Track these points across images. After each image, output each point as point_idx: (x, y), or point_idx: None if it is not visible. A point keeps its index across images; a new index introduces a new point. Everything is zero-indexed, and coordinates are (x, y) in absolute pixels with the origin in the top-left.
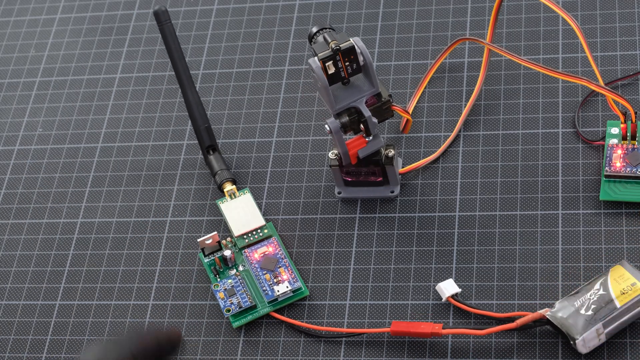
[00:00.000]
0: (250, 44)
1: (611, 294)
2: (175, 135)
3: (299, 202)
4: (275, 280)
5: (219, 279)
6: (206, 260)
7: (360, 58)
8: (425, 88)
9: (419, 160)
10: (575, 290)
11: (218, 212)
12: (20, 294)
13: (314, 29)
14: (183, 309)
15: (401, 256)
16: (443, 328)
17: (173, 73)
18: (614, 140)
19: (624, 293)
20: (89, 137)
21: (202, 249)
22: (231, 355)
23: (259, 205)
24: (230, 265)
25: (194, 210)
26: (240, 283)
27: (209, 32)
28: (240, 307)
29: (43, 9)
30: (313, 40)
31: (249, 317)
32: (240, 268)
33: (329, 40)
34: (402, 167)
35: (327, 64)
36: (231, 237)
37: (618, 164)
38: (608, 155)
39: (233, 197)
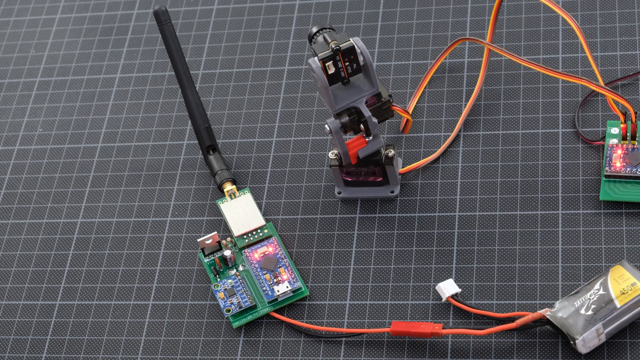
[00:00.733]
0: (250, 44)
1: (611, 294)
2: (175, 135)
3: (299, 202)
4: (275, 280)
5: (219, 279)
6: (206, 260)
7: (360, 58)
8: (425, 88)
9: (419, 160)
10: (575, 290)
11: (218, 212)
12: (20, 294)
13: (314, 29)
14: (183, 309)
15: (401, 256)
16: (443, 328)
17: (173, 73)
18: (614, 140)
19: (623, 293)
20: (89, 137)
21: (202, 249)
22: (231, 355)
23: (259, 205)
24: (230, 265)
25: (194, 210)
26: (240, 283)
27: (209, 32)
28: (240, 307)
29: (43, 9)
30: (313, 40)
31: (249, 317)
32: (240, 268)
33: (329, 40)
34: (402, 167)
35: (327, 64)
36: (231, 237)
37: (618, 164)
38: (608, 155)
39: (233, 197)
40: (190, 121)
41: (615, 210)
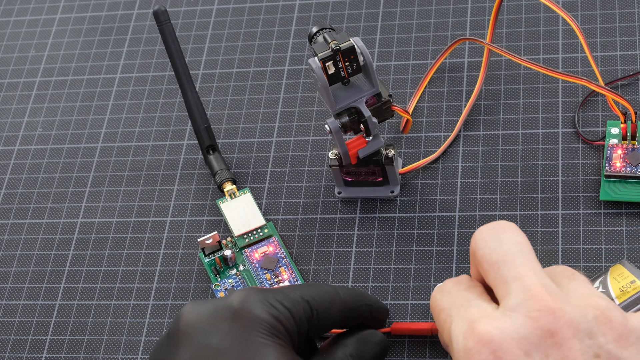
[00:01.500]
0: (250, 44)
1: (610, 291)
2: (175, 135)
3: (299, 202)
4: (275, 280)
5: (219, 279)
6: (206, 260)
7: (360, 58)
8: (425, 88)
9: (419, 160)
10: None
11: (218, 212)
12: (20, 294)
13: (314, 29)
14: None
15: (401, 256)
16: None
17: (173, 73)
18: (614, 140)
19: (623, 291)
20: (89, 137)
21: (203, 249)
22: None
23: (259, 206)
24: (230, 265)
25: (194, 210)
26: (241, 283)
27: (209, 32)
28: None
29: (43, 9)
30: (313, 40)
31: None
32: (241, 268)
33: (329, 40)
34: (402, 167)
35: (327, 64)
36: (231, 236)
37: (618, 164)
38: (608, 155)
39: (233, 196)
40: (190, 121)
41: (615, 210)
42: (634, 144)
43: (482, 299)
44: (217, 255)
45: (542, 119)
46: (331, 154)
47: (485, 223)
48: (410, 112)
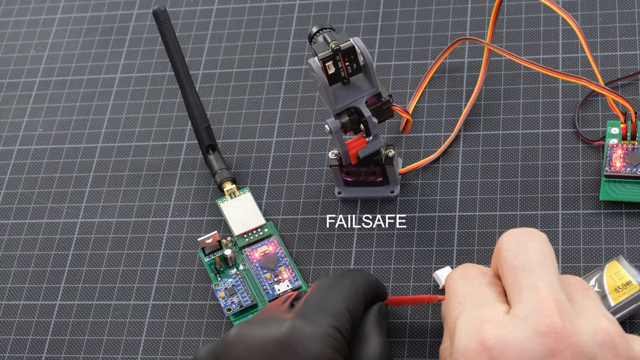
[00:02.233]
0: (250, 44)
1: (606, 291)
2: (175, 135)
3: (299, 202)
4: (275, 279)
5: (219, 278)
6: (206, 259)
7: (360, 58)
8: (425, 88)
9: (419, 160)
10: None
11: (218, 212)
12: (20, 294)
13: (314, 29)
14: (183, 309)
15: (401, 256)
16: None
17: (173, 73)
18: (614, 140)
19: (618, 291)
20: (89, 137)
21: (203, 249)
22: None
23: (259, 206)
24: (230, 265)
25: (194, 210)
26: (241, 282)
27: (209, 32)
28: (241, 306)
29: (43, 9)
30: (313, 40)
31: (250, 316)
32: (241, 267)
33: (329, 40)
34: (402, 167)
35: (327, 64)
36: (231, 236)
37: (618, 164)
38: (608, 155)
39: (233, 196)
40: (190, 121)
41: (615, 210)
42: (634, 144)
43: (499, 299)
44: (217, 255)
45: (542, 119)
46: (331, 154)
47: (485, 223)
48: (410, 112)
